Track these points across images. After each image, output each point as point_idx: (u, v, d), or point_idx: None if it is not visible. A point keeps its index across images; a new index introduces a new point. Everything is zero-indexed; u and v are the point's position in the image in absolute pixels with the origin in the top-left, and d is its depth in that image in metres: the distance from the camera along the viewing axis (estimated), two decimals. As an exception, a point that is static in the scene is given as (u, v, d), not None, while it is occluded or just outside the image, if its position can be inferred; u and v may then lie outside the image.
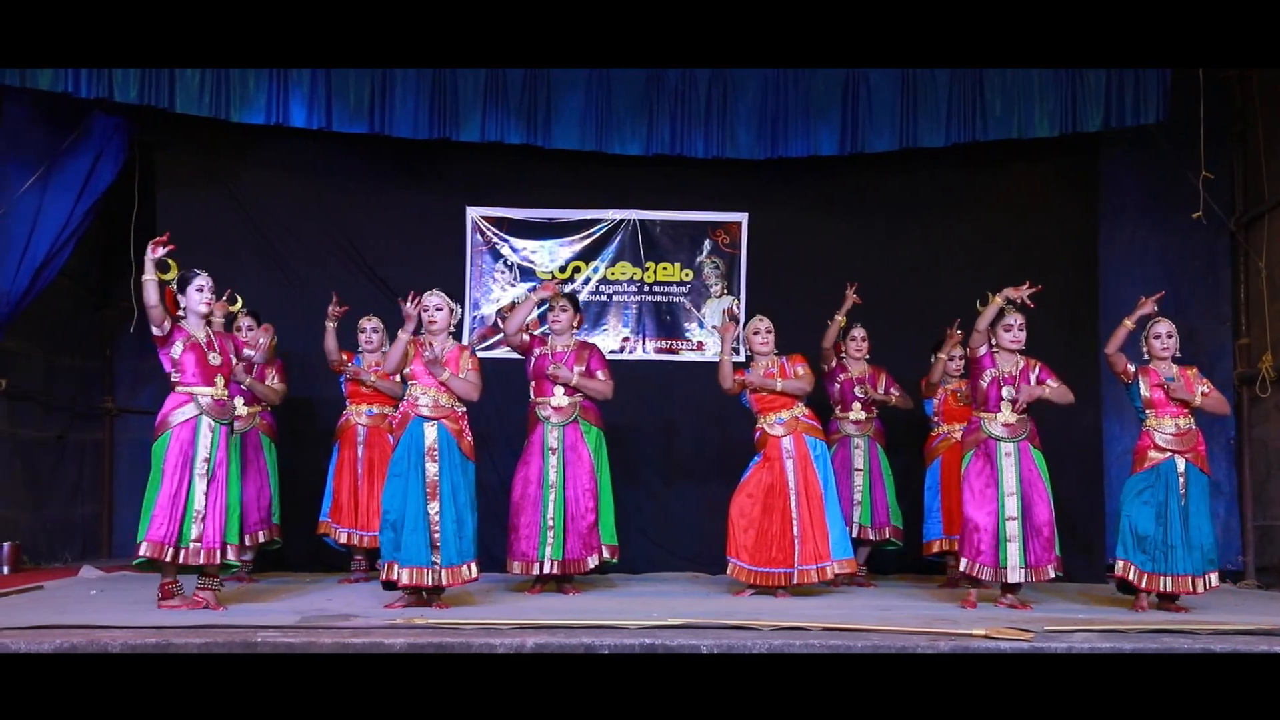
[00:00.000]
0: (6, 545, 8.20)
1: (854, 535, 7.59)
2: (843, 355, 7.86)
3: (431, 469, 6.17)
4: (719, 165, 8.40)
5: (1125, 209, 9.00)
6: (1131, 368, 6.47)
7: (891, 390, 7.82)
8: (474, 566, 6.22)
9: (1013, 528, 6.34)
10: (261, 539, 7.57)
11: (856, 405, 7.82)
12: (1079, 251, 8.77)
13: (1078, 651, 4.85)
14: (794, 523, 6.91)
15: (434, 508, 6.13)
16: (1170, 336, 6.46)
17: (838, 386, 7.87)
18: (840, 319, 7.74)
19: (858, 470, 7.81)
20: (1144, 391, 6.44)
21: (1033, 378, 6.51)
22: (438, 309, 6.33)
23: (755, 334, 7.16)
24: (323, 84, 7.79)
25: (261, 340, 7.20)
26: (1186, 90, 8.18)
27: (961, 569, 6.54)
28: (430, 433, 6.20)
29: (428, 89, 7.92)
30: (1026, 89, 8.03)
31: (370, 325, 7.74)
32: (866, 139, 8.10)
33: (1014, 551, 6.33)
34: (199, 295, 6.06)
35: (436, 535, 6.11)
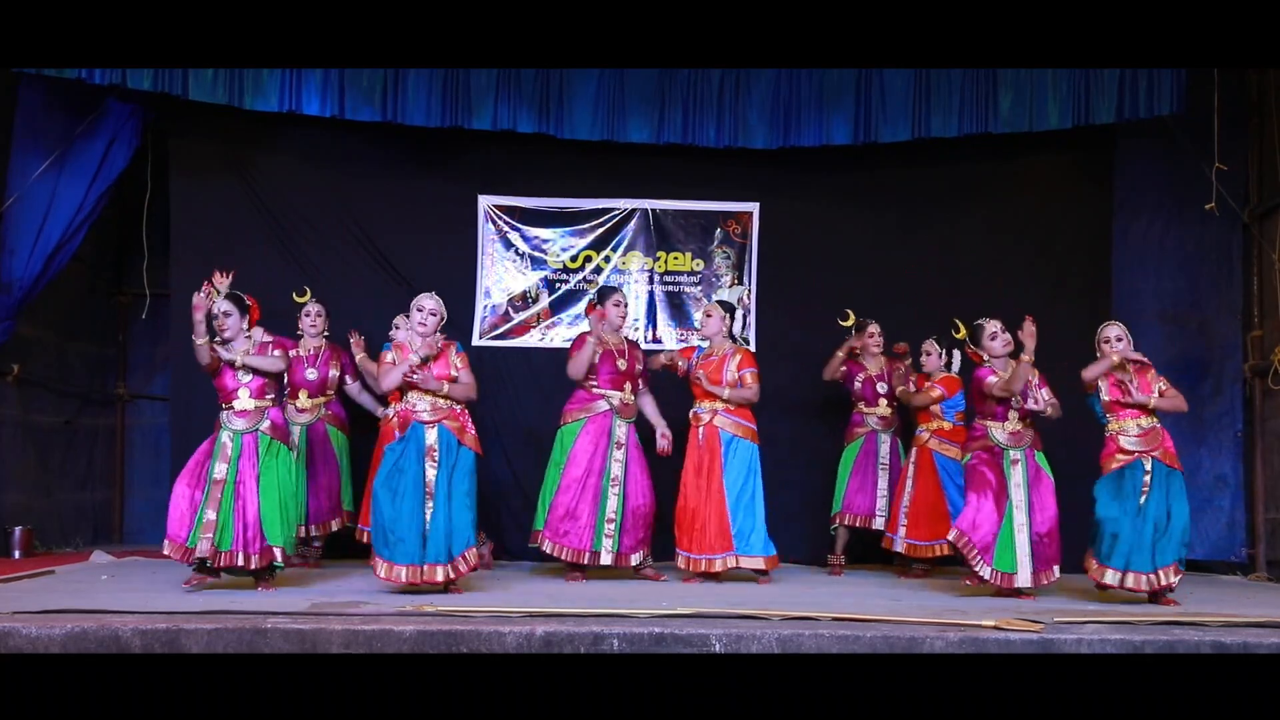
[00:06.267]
0: (18, 530, 8.24)
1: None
2: (858, 354, 7.90)
3: (430, 472, 6.15)
4: (731, 155, 8.38)
5: (1140, 202, 8.96)
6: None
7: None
8: (470, 554, 6.20)
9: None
10: (334, 527, 7.71)
11: (882, 401, 7.86)
12: (1093, 244, 8.73)
13: (1087, 642, 4.85)
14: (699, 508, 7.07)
15: (429, 509, 6.13)
16: (1120, 340, 6.41)
17: (858, 384, 7.91)
18: (841, 354, 7.88)
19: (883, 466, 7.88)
20: (1104, 395, 6.42)
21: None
22: (432, 314, 6.31)
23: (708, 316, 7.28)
24: (336, 72, 7.79)
25: (358, 356, 7.66)
26: (1202, 82, 8.13)
27: None
28: (430, 435, 6.20)
29: (440, 77, 7.93)
30: (1040, 80, 8.01)
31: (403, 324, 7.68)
32: (879, 128, 8.08)
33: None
34: (230, 320, 6.18)
35: (428, 534, 6.12)
